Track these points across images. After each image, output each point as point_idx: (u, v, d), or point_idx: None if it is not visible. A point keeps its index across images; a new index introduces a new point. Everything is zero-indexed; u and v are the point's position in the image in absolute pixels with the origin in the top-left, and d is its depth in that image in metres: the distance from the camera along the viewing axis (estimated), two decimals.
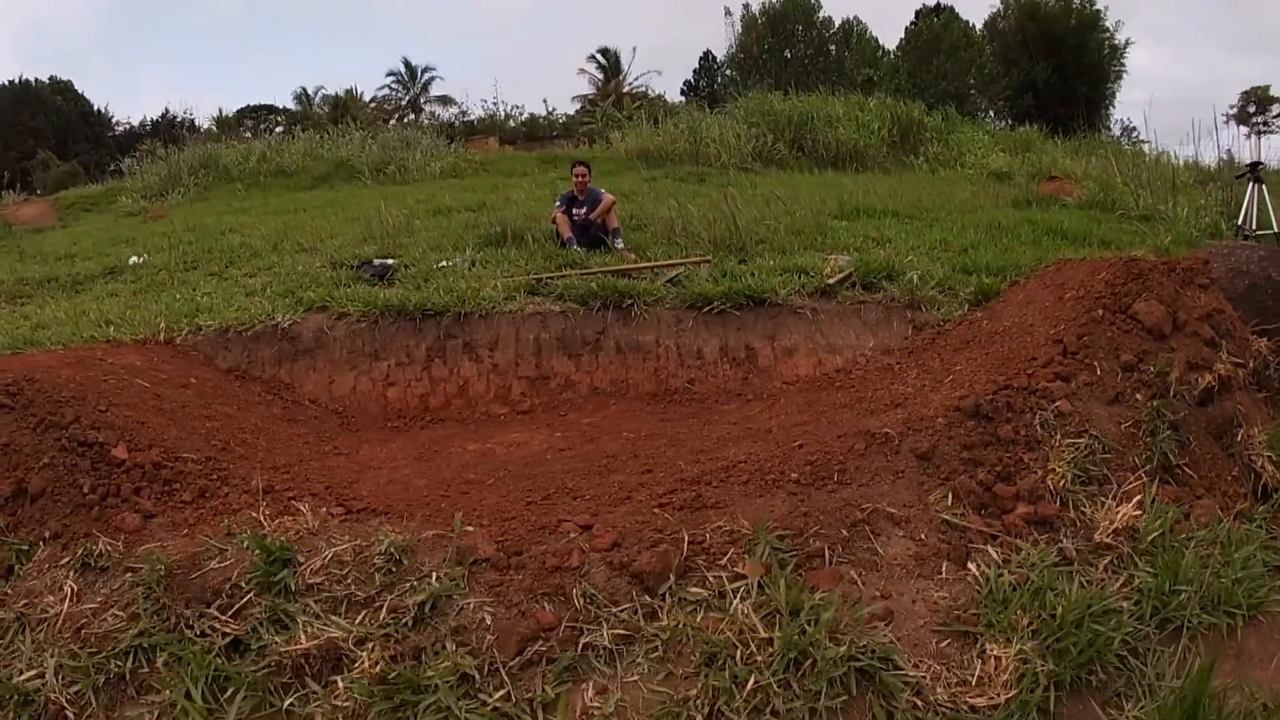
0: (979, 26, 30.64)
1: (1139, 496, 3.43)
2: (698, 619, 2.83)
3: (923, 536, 3.21)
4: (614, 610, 2.90)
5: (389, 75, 41.27)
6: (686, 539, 3.08)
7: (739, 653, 2.71)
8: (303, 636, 2.89)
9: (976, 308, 6.10)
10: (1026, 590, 2.95)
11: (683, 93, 37.45)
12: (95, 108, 40.14)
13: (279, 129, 33.47)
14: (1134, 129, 29.40)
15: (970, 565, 3.10)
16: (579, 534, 3.23)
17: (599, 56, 39.15)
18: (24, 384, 4.33)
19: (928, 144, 17.12)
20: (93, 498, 3.75)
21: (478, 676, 2.73)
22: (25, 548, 3.61)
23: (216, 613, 3.05)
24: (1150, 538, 3.25)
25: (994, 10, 30.66)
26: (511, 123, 32.86)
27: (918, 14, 33.35)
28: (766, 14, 31.61)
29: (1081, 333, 4.26)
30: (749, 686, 2.62)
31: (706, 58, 39.31)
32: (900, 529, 3.24)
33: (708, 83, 37.35)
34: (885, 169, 15.72)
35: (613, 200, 8.45)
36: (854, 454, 3.62)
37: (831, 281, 6.35)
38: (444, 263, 7.61)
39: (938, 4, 32.91)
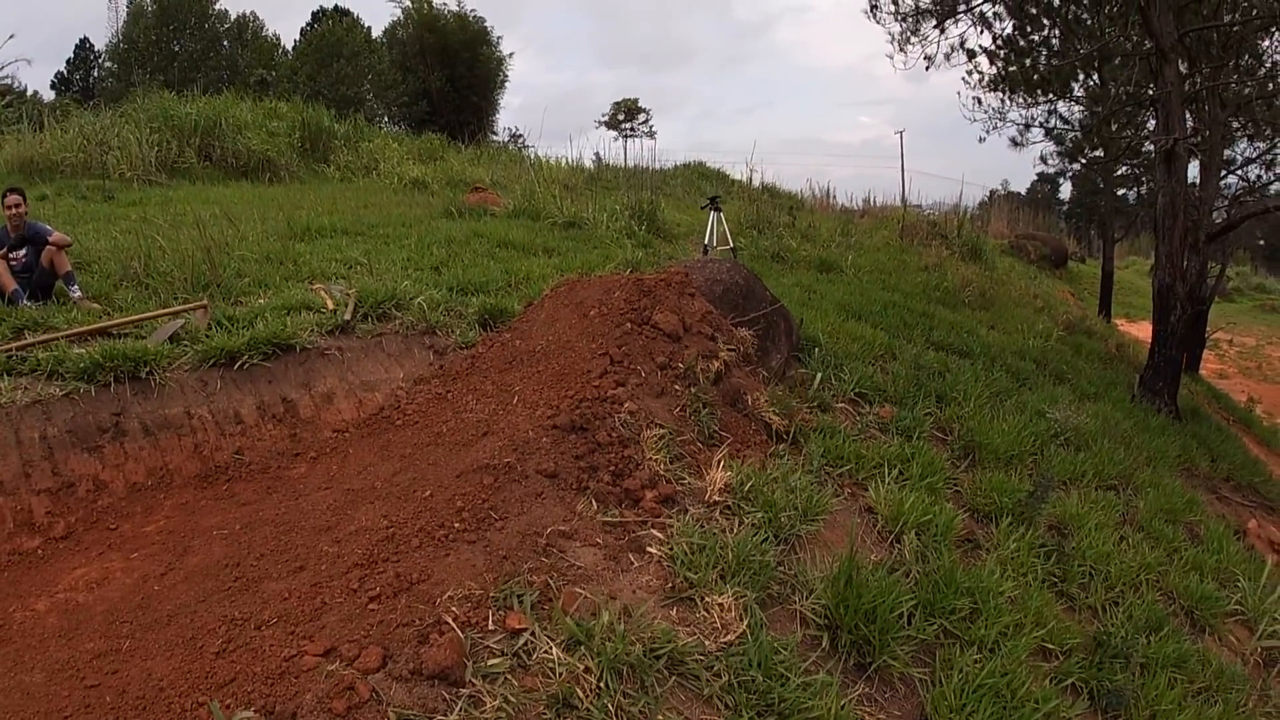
0: (379, 34, 31.29)
1: (722, 461, 4.53)
2: (517, 684, 2.94)
3: (599, 540, 3.77)
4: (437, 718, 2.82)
5: None
6: (451, 620, 3.12)
7: (577, 688, 2.95)
8: None
9: (489, 328, 6.70)
10: (696, 550, 3.76)
11: (54, 86, 32.25)
12: None
13: None
14: (520, 135, 32.57)
15: (649, 549, 3.79)
16: (335, 664, 2.94)
17: None
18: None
19: (338, 152, 17.18)
20: None
21: None
22: None
23: None
24: (746, 485, 4.37)
25: (394, 19, 31.58)
26: None
27: (315, 15, 32.88)
28: (158, 2, 28.57)
29: (621, 344, 5.20)
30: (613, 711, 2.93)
31: (84, 46, 34.61)
32: (576, 541, 3.74)
33: (84, 76, 32.65)
34: (299, 178, 15.67)
35: (67, 240, 7.00)
36: (490, 489, 3.95)
37: (348, 317, 6.28)
38: None
39: (336, 7, 32.76)
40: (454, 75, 30.07)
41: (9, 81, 30.61)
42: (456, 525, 3.70)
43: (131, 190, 12.90)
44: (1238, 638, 5.51)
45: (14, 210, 6.98)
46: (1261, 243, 47.70)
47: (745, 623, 3.47)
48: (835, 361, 6.84)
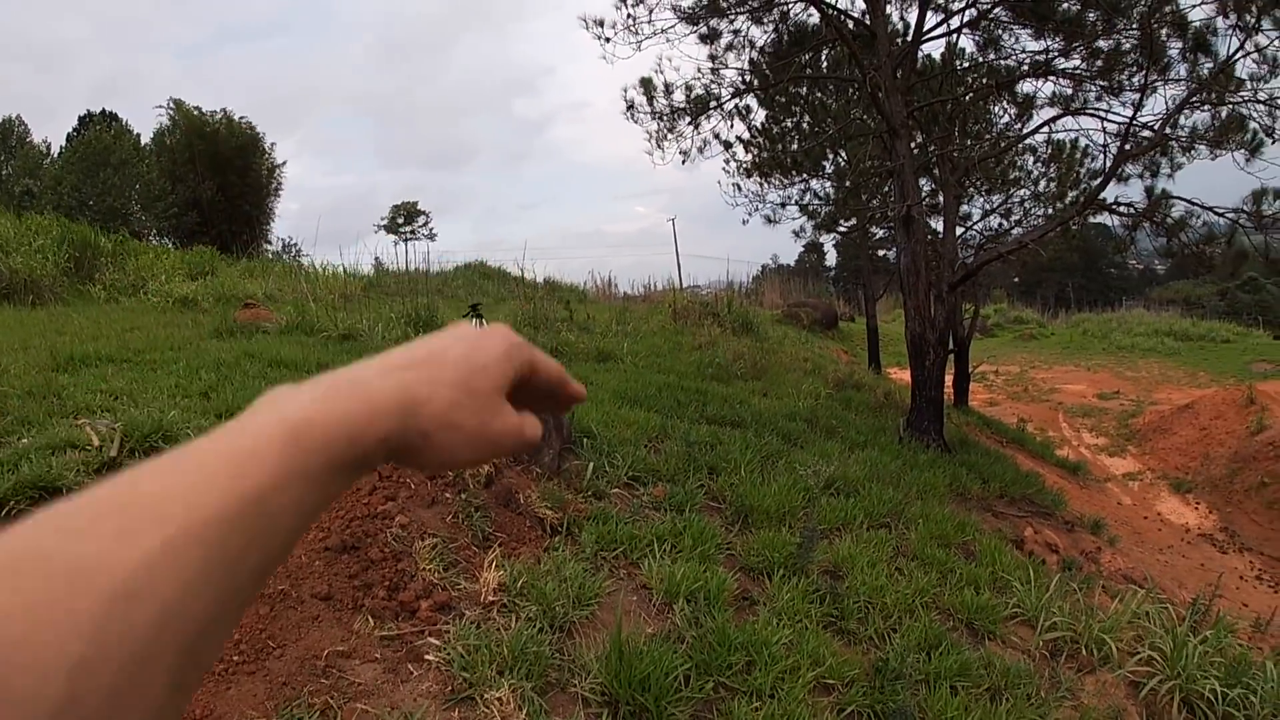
0: (147, 140, 29.94)
1: (494, 561, 4.78)
2: None
3: (377, 655, 3.94)
4: None
5: None
6: None
7: None
8: None
9: None
10: (473, 651, 4.00)
11: None
12: None
13: None
14: (296, 244, 31.95)
15: (427, 657, 3.99)
16: None
17: None
18: None
19: (104, 270, 16.43)
20: None
21: None
22: None
23: None
24: (519, 582, 4.64)
25: (161, 125, 30.25)
26: None
27: (83, 120, 31.17)
28: None
29: None
30: None
31: None
32: (355, 659, 3.90)
33: None
34: (64, 300, 14.80)
35: None
36: (266, 619, 4.03)
37: (114, 454, 6.12)
38: None
39: (104, 111, 31.19)
40: (225, 183, 29.34)
41: None
42: (235, 658, 3.78)
43: None
44: (1021, 637, 6.11)
45: None
46: (1016, 280, 52.68)
47: (524, 712, 3.73)
48: (609, 449, 7.22)
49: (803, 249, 63.30)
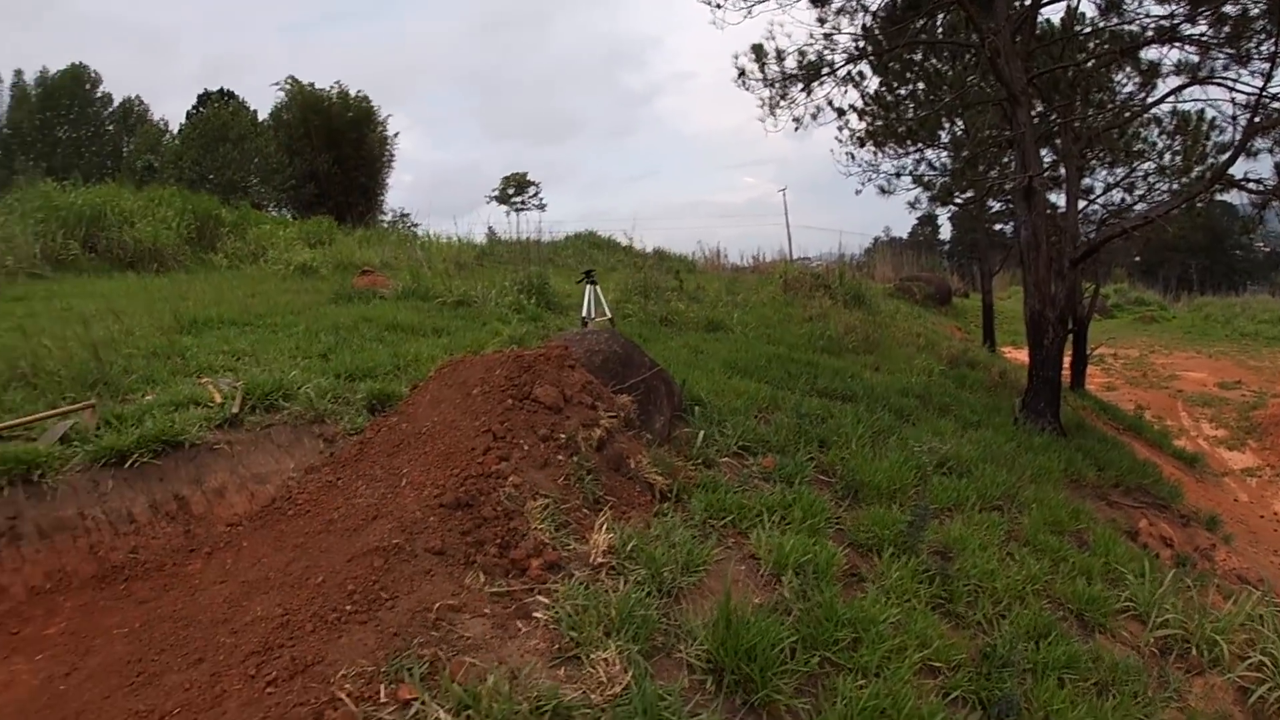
0: (264, 116, 31.03)
1: (604, 524, 4.78)
2: None
3: (486, 611, 3.98)
4: None
5: None
6: (345, 696, 3.29)
7: None
8: None
9: (378, 413, 6.79)
10: (581, 611, 4.00)
11: None
12: None
13: None
14: (408, 214, 32.64)
15: (535, 614, 4.03)
16: None
17: None
18: None
19: (225, 239, 17.08)
20: None
21: None
22: None
23: None
24: (629, 545, 4.62)
25: (278, 102, 31.32)
26: None
27: (201, 99, 32.45)
28: (42, 86, 27.97)
29: (504, 420, 5.42)
30: None
31: None
32: (465, 614, 3.93)
33: None
34: (187, 268, 15.54)
35: None
36: (381, 571, 4.12)
37: (236, 410, 6.35)
38: None
39: (222, 90, 32.42)
40: (340, 156, 30.17)
41: None
42: (348, 608, 3.87)
43: (15, 284, 12.69)
44: (1131, 632, 5.90)
45: None
46: (1138, 259, 50.43)
47: (630, 675, 3.71)
48: (719, 418, 7.19)
49: (916, 222, 61.98)
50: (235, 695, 3.48)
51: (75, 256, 14.98)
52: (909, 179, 18.50)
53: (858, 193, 22.73)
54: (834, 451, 7.14)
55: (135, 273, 14.75)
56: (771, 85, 14.21)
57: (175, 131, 32.35)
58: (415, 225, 29.00)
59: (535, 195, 56.17)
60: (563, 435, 5.43)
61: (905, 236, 62.42)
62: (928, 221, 55.52)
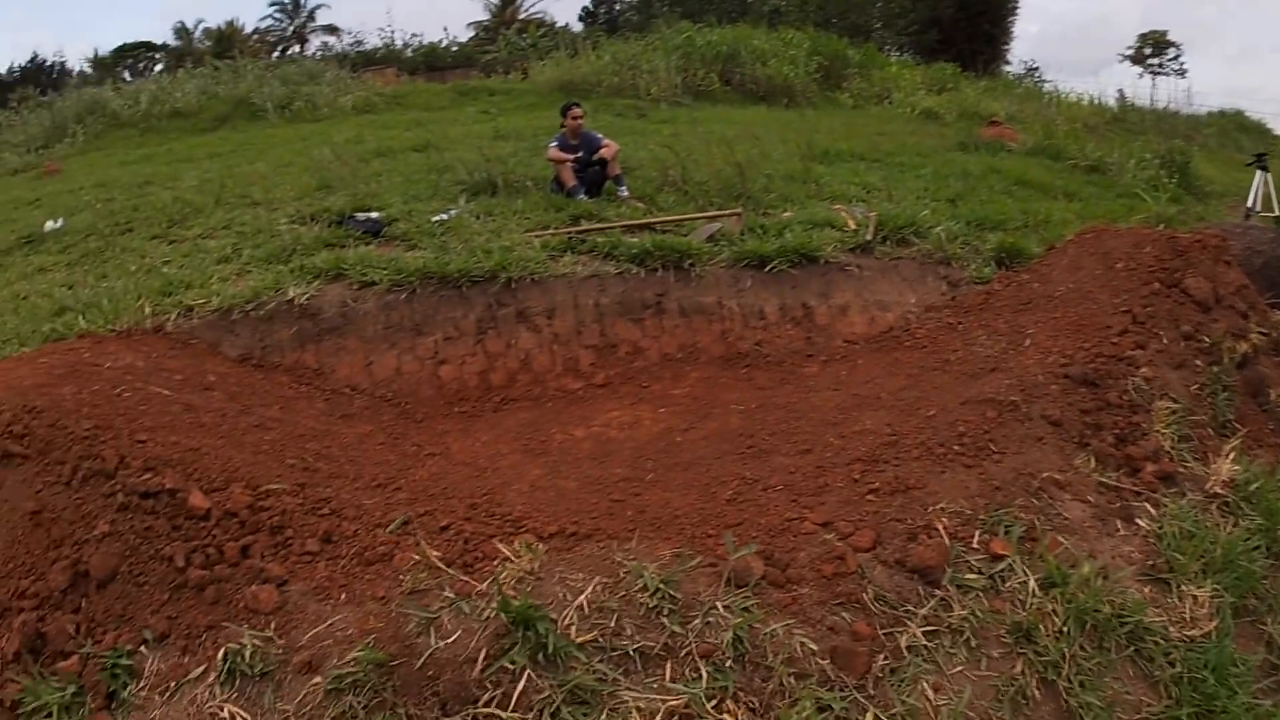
0: None
1: (1231, 453, 4.20)
2: (986, 603, 3.18)
3: (1090, 499, 3.79)
4: (909, 608, 3.11)
5: (272, 4, 39.69)
6: (941, 527, 3.39)
7: (1041, 625, 3.11)
8: (635, 715, 2.64)
9: (1004, 267, 6.60)
10: (1184, 536, 3.63)
11: (581, 19, 36.43)
12: None
13: (159, 67, 31.81)
14: (1036, 67, 30.75)
15: (1138, 521, 3.74)
16: (831, 535, 3.35)
17: None
18: (29, 419, 3.35)
19: (850, 80, 17.48)
20: (196, 573, 2.99)
21: (835, 706, 2.76)
22: (125, 660, 2.80)
23: (495, 710, 2.62)
24: (1251, 486, 4.00)
25: None
26: (409, 52, 31.65)
27: None
28: None
29: (1145, 303, 4.93)
30: (1068, 656, 3.04)
31: None
32: (1067, 493, 3.78)
33: (606, 10, 36.35)
34: (814, 104, 16.36)
35: (617, 148, 8.43)
36: (991, 422, 4.08)
37: (869, 237, 6.44)
38: (440, 216, 7.47)
39: None
40: (965, 2, 28.74)
41: (541, 15, 34.91)
42: (955, 448, 3.94)
43: (659, 110, 14.46)
44: None
45: (576, 121, 8.36)
46: None
47: (1214, 624, 3.34)
48: None
49: None
50: (836, 491, 3.77)
51: (712, 88, 16.59)
52: None
53: None
54: None
55: (766, 105, 15.99)
56: None
57: None
58: (1043, 80, 26.97)
59: (1175, 59, 48.60)
60: (1206, 339, 4.79)
61: None
62: None
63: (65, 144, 16.02)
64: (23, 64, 36.09)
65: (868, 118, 14.90)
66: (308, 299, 5.81)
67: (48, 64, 36.12)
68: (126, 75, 30.95)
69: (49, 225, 9.02)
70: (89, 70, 33.44)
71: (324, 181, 9.08)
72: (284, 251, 6.68)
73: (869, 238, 6.65)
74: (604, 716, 2.61)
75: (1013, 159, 10.97)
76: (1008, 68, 30.39)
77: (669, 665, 2.76)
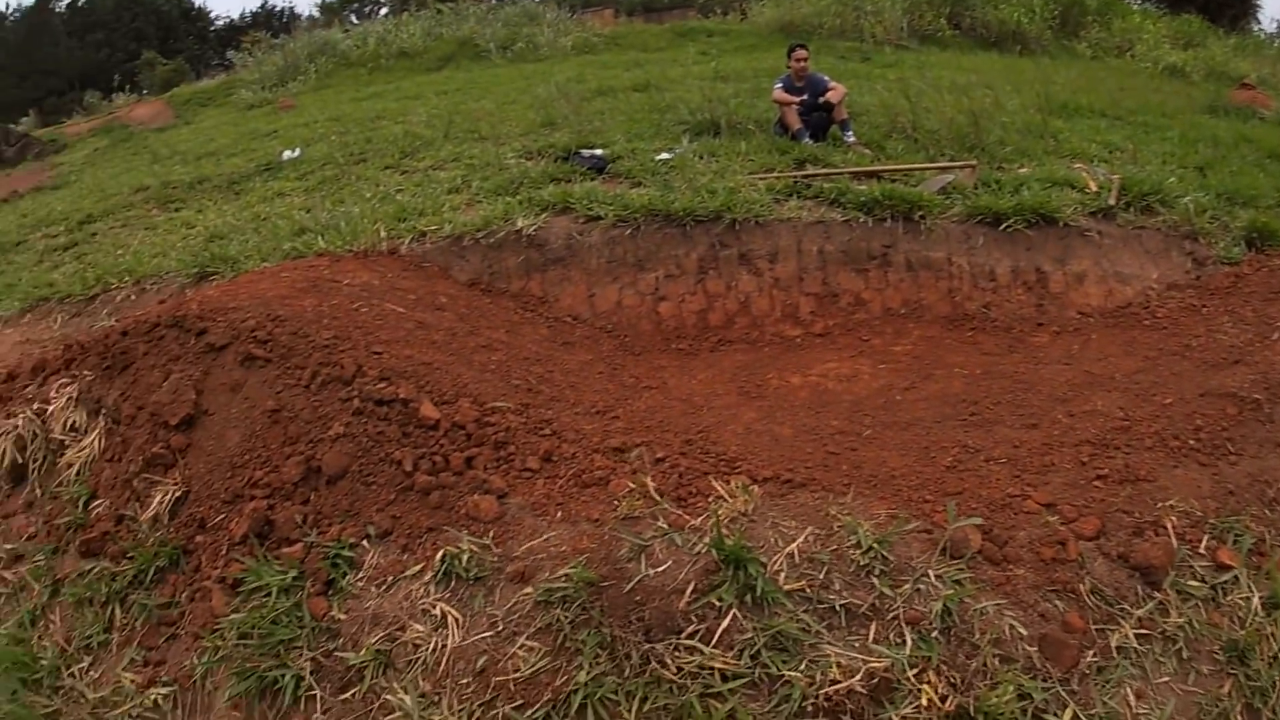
0: None
1: None
2: (1204, 615, 2.99)
3: None
4: (1125, 607, 2.96)
5: None
6: (1170, 527, 3.20)
7: (1258, 646, 2.91)
8: (835, 670, 2.62)
9: (1255, 248, 6.10)
10: None
11: None
12: (194, 4, 42.47)
13: (384, 11, 33.77)
14: None
15: None
16: (1054, 518, 3.22)
17: None
18: (273, 326, 3.66)
19: (1089, 28, 16.35)
20: (423, 478, 3.18)
21: (1035, 696, 2.67)
22: (347, 552, 3.04)
23: (698, 644, 2.66)
24: None
25: None
26: None
27: None
28: None
29: None
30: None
31: None
32: None
33: None
34: (1050, 53, 15.36)
35: (845, 91, 8.16)
36: (1231, 420, 3.82)
37: (1112, 202, 6.08)
38: (664, 155, 7.53)
39: None
40: None
41: None
42: (1191, 442, 3.71)
43: (884, 54, 13.96)
44: None
45: (801, 63, 8.14)
46: None
47: None
48: None
49: None
50: (1062, 472, 3.60)
51: (940, 32, 15.82)
52: None
53: None
54: None
55: (998, 52, 15.14)
56: None
57: None
58: None
59: None
60: None
61: None
62: None
63: (298, 82, 17.37)
64: (254, 9, 39.14)
65: (1108, 70, 13.88)
66: (535, 230, 6.01)
67: (277, 9, 38.93)
68: (353, 19, 32.72)
69: (286, 155, 9.87)
70: (317, 15, 35.68)
71: (548, 118, 9.34)
72: (512, 184, 6.94)
73: (1111, 202, 6.19)
74: (804, 666, 2.61)
75: (1266, 128, 9.90)
76: (1257, 25, 27.56)
77: (874, 626, 2.74)
